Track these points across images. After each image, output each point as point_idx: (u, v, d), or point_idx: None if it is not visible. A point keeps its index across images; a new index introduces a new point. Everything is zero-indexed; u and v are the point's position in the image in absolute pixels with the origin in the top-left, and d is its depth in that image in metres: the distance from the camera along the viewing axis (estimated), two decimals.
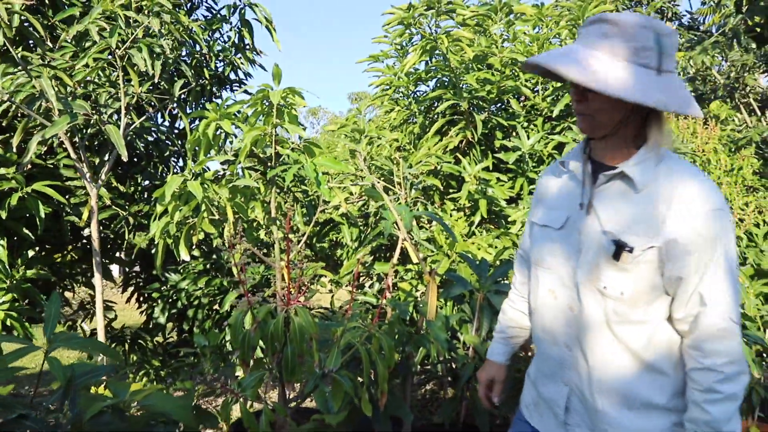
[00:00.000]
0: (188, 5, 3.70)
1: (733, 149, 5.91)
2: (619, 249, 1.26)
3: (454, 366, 2.58)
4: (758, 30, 5.22)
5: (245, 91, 3.64)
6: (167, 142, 3.24)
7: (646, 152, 1.29)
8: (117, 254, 3.63)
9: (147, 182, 3.70)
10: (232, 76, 3.89)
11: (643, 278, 1.27)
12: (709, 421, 1.25)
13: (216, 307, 3.48)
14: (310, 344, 1.54)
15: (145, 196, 3.58)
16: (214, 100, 3.81)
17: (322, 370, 1.63)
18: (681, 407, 1.32)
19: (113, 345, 3.70)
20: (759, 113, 6.74)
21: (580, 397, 1.38)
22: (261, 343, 1.64)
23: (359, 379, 1.80)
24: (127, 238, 3.20)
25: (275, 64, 2.61)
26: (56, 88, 2.29)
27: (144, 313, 3.84)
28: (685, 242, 1.24)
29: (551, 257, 1.42)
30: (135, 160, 3.53)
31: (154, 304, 3.55)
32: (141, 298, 3.94)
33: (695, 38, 6.37)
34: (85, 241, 3.48)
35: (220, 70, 3.71)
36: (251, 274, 3.22)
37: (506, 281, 2.54)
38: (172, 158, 3.68)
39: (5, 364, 1.48)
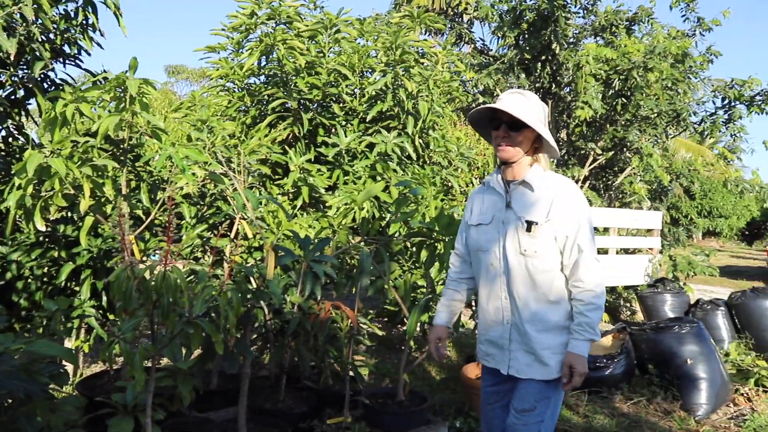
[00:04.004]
0: None
1: None
2: (529, 225, 2.09)
3: (281, 322, 3.13)
4: (527, 63, 6.55)
5: (88, 71, 3.77)
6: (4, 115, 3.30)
7: (537, 169, 2.16)
8: None
9: None
10: (67, 49, 3.97)
11: (545, 241, 2.08)
12: (589, 323, 2.05)
13: (46, 279, 3.60)
14: (182, 295, 2.00)
15: None
16: (47, 73, 3.87)
17: (186, 317, 2.09)
18: (563, 331, 2.12)
19: None
20: None
21: (516, 329, 2.17)
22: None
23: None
24: None
25: (133, 57, 2.92)
26: None
27: None
28: (563, 216, 2.08)
29: (486, 242, 2.22)
30: None
31: None
32: None
33: (484, 62, 7.63)
34: None
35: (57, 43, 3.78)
36: (89, 246, 3.43)
37: (324, 253, 3.15)
38: None
39: None
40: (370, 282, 3.13)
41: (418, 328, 4.59)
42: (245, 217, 3.16)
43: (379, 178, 4.00)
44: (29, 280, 3.49)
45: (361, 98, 4.49)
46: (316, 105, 4.41)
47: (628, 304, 7.83)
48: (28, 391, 1.67)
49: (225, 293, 2.27)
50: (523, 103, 2.14)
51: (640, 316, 7.30)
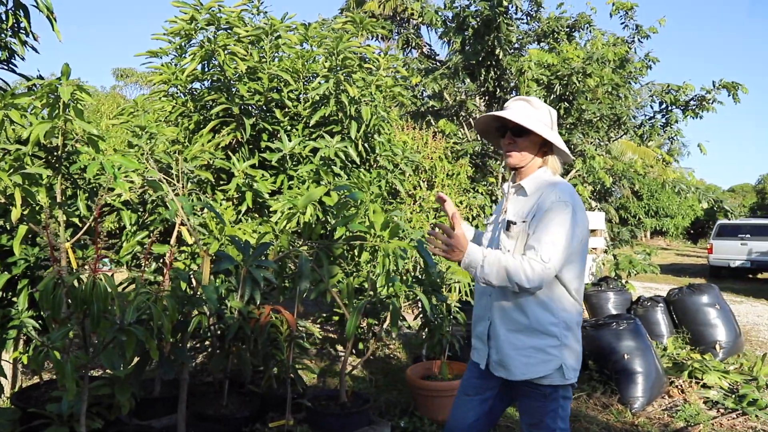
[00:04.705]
0: None
1: (454, 158, 7.38)
2: (509, 224, 2.18)
3: (222, 328, 3.14)
4: (472, 68, 6.70)
5: (24, 75, 3.69)
6: None
7: (537, 175, 2.23)
8: None
9: None
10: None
11: (521, 241, 2.14)
12: (500, 263, 1.98)
13: None
14: (113, 303, 2.00)
15: None
16: None
17: (119, 324, 2.09)
18: (538, 334, 2.11)
19: None
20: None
21: (493, 327, 2.22)
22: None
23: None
24: None
25: (65, 64, 2.88)
26: None
27: None
28: (538, 216, 2.08)
29: (485, 241, 2.37)
30: None
31: None
32: None
33: (431, 67, 7.77)
34: None
35: None
36: (25, 255, 3.35)
37: (266, 258, 3.17)
38: None
39: None
40: (312, 286, 3.16)
41: (363, 328, 4.64)
42: (184, 223, 3.16)
43: (323, 182, 4.04)
44: None
45: (305, 103, 4.51)
46: (258, 110, 4.42)
47: None
48: None
49: (160, 300, 2.27)
50: (525, 109, 2.24)
51: (586, 315, 7.54)
